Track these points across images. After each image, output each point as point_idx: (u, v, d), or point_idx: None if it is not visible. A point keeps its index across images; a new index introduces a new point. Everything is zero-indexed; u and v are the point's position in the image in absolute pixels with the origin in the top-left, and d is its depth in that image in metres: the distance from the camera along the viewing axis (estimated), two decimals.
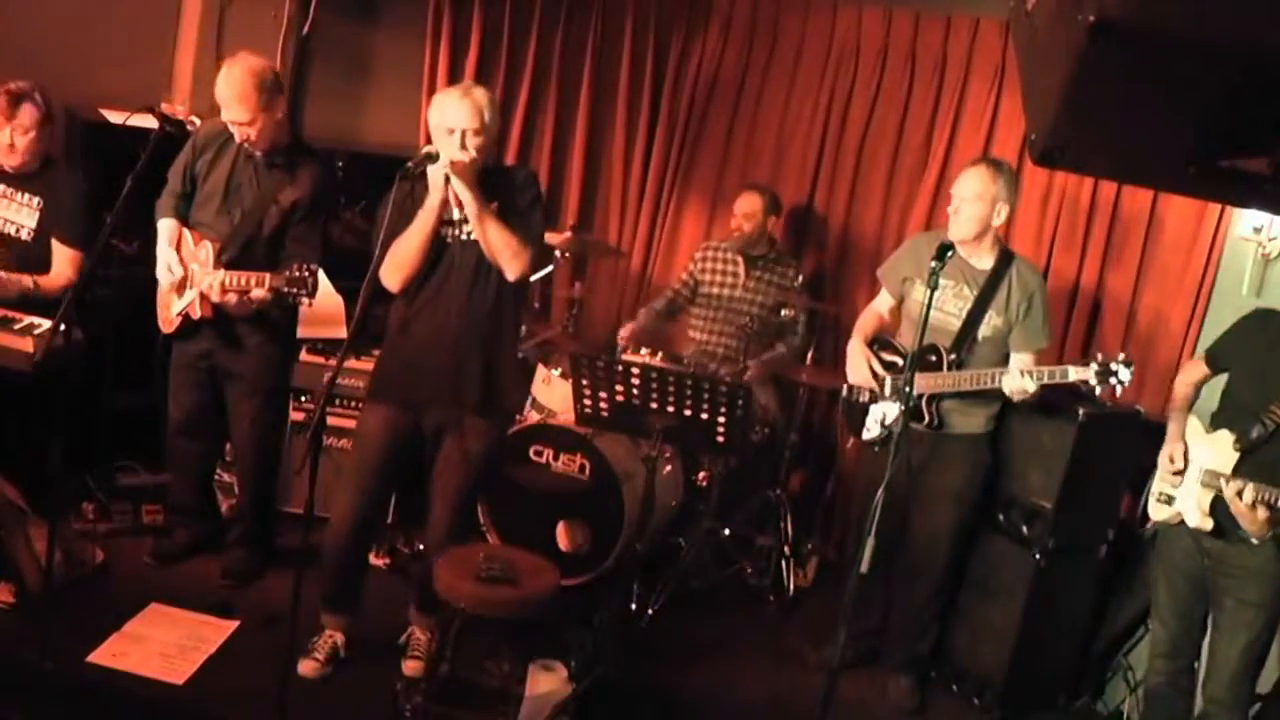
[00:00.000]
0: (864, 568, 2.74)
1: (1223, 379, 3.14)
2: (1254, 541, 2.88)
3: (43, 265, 3.60)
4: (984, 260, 3.51)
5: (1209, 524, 2.97)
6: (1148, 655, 3.40)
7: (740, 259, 4.60)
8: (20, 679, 2.91)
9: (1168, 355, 4.00)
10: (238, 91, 3.29)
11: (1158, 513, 3.15)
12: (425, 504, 3.26)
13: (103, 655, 3.14)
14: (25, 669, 2.90)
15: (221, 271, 3.36)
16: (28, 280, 3.52)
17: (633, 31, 5.02)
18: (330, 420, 4.02)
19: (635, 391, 3.37)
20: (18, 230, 3.60)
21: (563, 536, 4.02)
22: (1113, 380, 3.10)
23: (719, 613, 4.12)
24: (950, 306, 3.51)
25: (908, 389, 2.96)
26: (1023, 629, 3.60)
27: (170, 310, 3.53)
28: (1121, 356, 3.12)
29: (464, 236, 3.07)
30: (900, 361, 3.57)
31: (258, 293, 3.30)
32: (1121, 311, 4.18)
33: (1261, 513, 2.79)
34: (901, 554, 3.64)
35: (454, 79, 4.96)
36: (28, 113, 3.47)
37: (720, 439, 3.39)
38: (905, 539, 3.63)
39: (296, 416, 4.13)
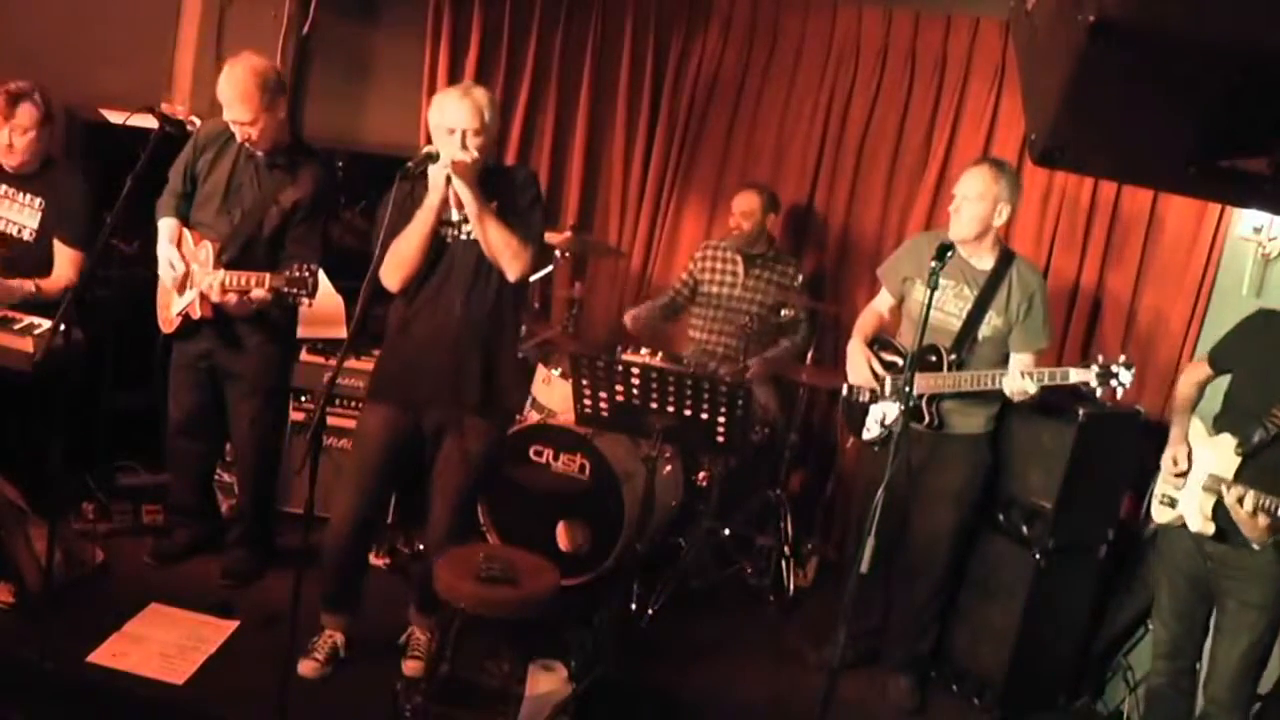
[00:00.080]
0: (864, 568, 2.74)
1: (1225, 380, 3.13)
2: (1255, 547, 2.87)
3: (44, 266, 3.60)
4: (984, 260, 3.51)
5: (1211, 528, 2.97)
6: (1149, 656, 3.40)
7: (739, 258, 4.60)
8: (20, 679, 2.91)
9: (1168, 355, 4.00)
10: (240, 91, 3.29)
11: (1160, 515, 3.14)
12: (425, 504, 3.26)
13: (103, 655, 3.14)
14: (25, 669, 2.90)
15: (221, 271, 3.36)
16: (29, 285, 3.52)
17: (633, 31, 5.02)
18: (330, 420, 4.02)
19: (635, 391, 3.37)
20: (19, 231, 3.60)
21: (563, 536, 4.02)
22: (1113, 382, 3.10)
23: (719, 613, 4.12)
24: (950, 306, 3.51)
25: (908, 389, 2.96)
26: (1023, 629, 3.60)
27: (170, 310, 3.53)
28: (1122, 359, 3.12)
29: (464, 236, 3.07)
30: (900, 361, 3.57)
31: (258, 293, 3.30)
32: (1121, 311, 4.18)
33: (1262, 520, 2.78)
34: (901, 554, 3.64)
35: (454, 79, 4.96)
36: (27, 112, 3.47)
37: (720, 439, 3.39)
38: (905, 539, 3.63)
39: (296, 416, 4.13)
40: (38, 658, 2.89)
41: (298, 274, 3.19)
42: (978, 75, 4.44)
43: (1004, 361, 3.48)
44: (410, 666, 3.31)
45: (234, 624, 3.41)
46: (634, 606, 3.88)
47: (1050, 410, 3.51)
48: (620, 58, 5.05)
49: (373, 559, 3.80)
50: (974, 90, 4.46)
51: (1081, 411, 3.46)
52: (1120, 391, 3.13)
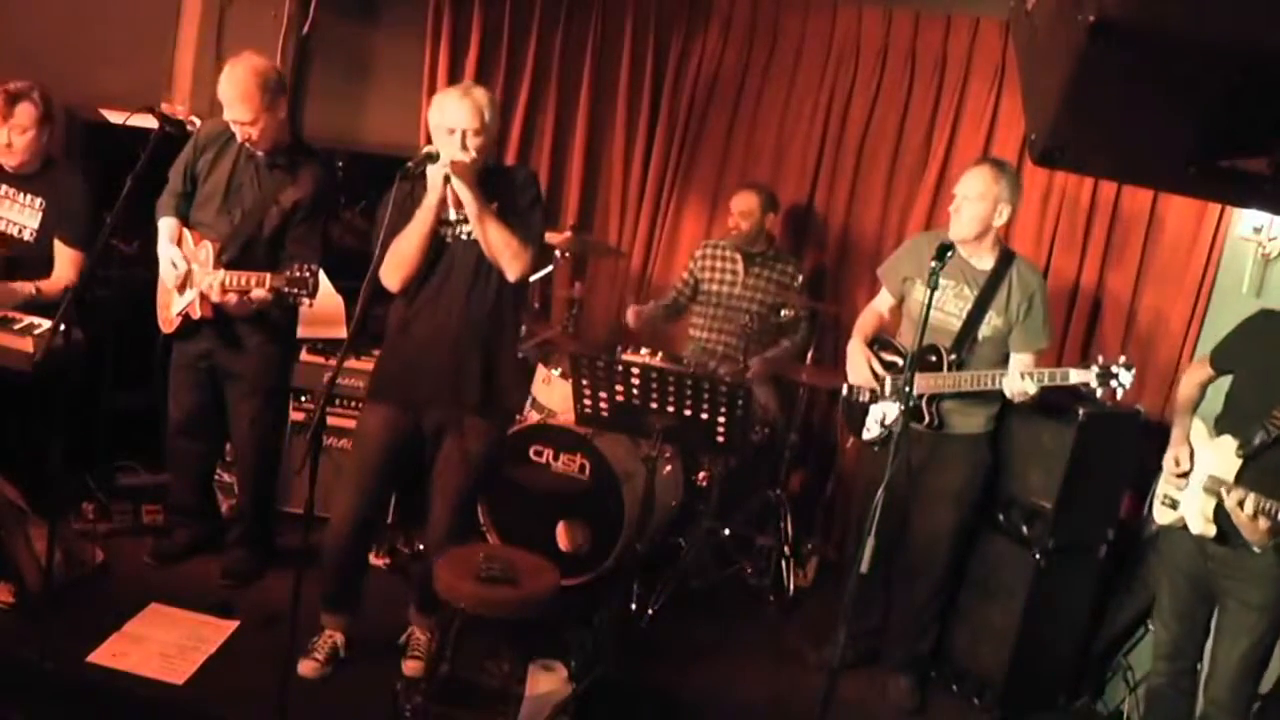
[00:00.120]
0: (864, 568, 2.74)
1: (1227, 380, 3.12)
2: (1256, 550, 2.87)
3: (45, 266, 3.60)
4: (984, 260, 3.51)
5: (1212, 530, 2.96)
6: (1149, 656, 3.39)
7: (739, 256, 4.61)
8: (20, 679, 2.91)
9: (1168, 355, 4.00)
10: (241, 91, 3.29)
11: (1162, 516, 3.14)
12: (425, 504, 3.26)
13: (103, 655, 3.14)
14: (25, 669, 2.90)
15: (221, 271, 3.36)
16: (29, 287, 3.52)
17: (633, 31, 5.02)
18: (330, 420, 4.02)
19: (635, 391, 3.37)
20: (20, 231, 3.60)
21: (563, 536, 4.02)
22: (1113, 383, 3.10)
23: (719, 613, 4.12)
24: (950, 306, 3.51)
25: (908, 389, 2.96)
26: (1023, 629, 3.60)
27: (170, 310, 3.53)
28: (1123, 359, 3.12)
29: (464, 236, 3.07)
30: (900, 361, 3.57)
31: (258, 293, 3.30)
32: (1121, 311, 4.18)
33: (1263, 523, 2.77)
34: (901, 554, 3.64)
35: (454, 79, 4.96)
36: (25, 112, 3.47)
37: (720, 439, 3.39)
38: (905, 539, 3.63)
39: (296, 416, 4.13)
40: (38, 658, 2.89)
41: (298, 274, 3.19)
42: (978, 75, 4.45)
43: (1004, 361, 3.48)
44: (410, 666, 3.31)
45: (234, 624, 3.41)
46: (634, 606, 3.88)
47: (1050, 410, 3.51)
48: (620, 58, 5.05)
49: (373, 559, 3.80)
50: (974, 90, 4.46)
51: (1081, 411, 3.46)
52: (1120, 392, 3.12)
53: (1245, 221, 3.70)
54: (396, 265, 3.03)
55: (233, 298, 3.35)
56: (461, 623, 2.89)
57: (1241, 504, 2.79)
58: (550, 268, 4.78)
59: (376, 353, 3.33)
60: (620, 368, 3.41)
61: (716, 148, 4.99)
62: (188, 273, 3.44)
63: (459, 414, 3.13)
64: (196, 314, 3.45)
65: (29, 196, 3.59)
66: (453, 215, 3.06)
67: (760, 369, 4.39)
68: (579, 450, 4.00)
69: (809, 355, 4.48)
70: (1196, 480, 3.01)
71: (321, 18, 4.96)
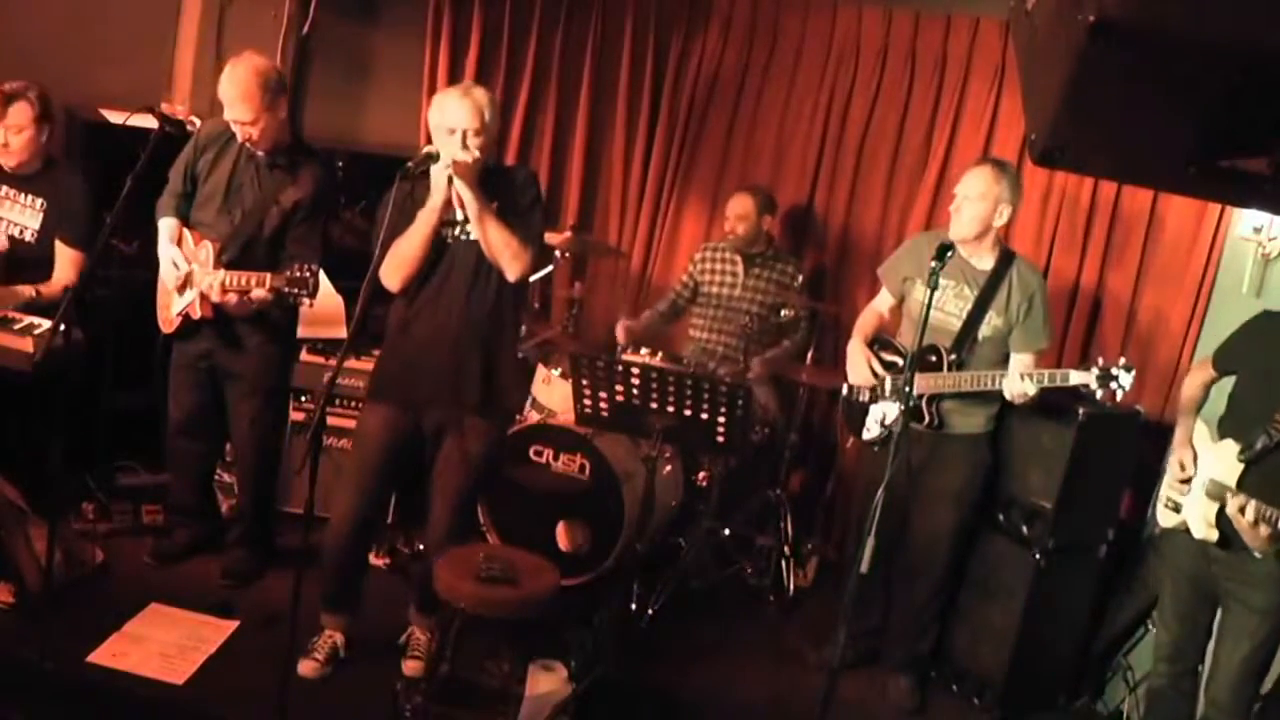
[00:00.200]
0: (864, 568, 2.74)
1: (1230, 381, 3.11)
2: (1256, 556, 2.87)
3: (46, 267, 3.60)
4: (984, 260, 3.51)
5: (1214, 535, 2.95)
6: (1149, 656, 3.39)
7: (739, 258, 4.61)
8: (20, 679, 2.91)
9: (1168, 355, 4.00)
10: (242, 90, 3.29)
11: (1166, 519, 3.13)
12: (425, 504, 3.26)
13: (103, 655, 3.14)
14: (25, 669, 2.90)
15: (222, 271, 3.36)
16: (29, 290, 3.52)
17: (633, 31, 5.02)
18: (330, 420, 4.02)
19: (635, 391, 3.37)
20: (22, 232, 3.60)
21: (563, 536, 4.02)
22: (1113, 385, 3.09)
23: (719, 613, 4.12)
24: (950, 306, 3.51)
25: (908, 389, 2.96)
26: (1023, 629, 3.60)
27: (170, 310, 3.53)
28: (1123, 361, 3.11)
29: (464, 236, 3.07)
30: (900, 361, 3.57)
31: (258, 293, 3.30)
32: (1121, 311, 4.18)
33: (1264, 530, 2.76)
34: (901, 554, 3.64)
35: (454, 79, 4.96)
36: (20, 111, 3.46)
37: (720, 439, 3.39)
38: (905, 539, 3.63)
39: (296, 416, 4.13)
40: (38, 658, 2.89)
41: (298, 274, 3.19)
42: (978, 75, 4.44)
43: (1004, 361, 3.48)
44: (410, 666, 3.31)
45: (234, 624, 3.41)
46: (634, 606, 3.88)
47: (1050, 410, 3.51)
48: (620, 58, 5.05)
49: (373, 559, 3.80)
50: (974, 90, 4.46)
51: (1081, 411, 3.46)
52: (1120, 394, 3.12)
53: (1245, 221, 3.70)
54: (397, 265, 3.03)
55: (233, 298, 3.35)
56: (461, 623, 2.89)
57: (1243, 510, 2.79)
58: (550, 268, 4.78)
59: (376, 353, 3.33)
60: (620, 368, 3.41)
61: (716, 148, 4.99)
62: (188, 273, 3.44)
63: (459, 414, 3.13)
64: (197, 314, 3.45)
65: (30, 197, 3.59)
66: (454, 215, 3.06)
67: (760, 369, 4.39)
68: (579, 450, 4.00)
69: (809, 355, 4.48)
70: (1199, 484, 3.00)
71: (321, 18, 4.96)
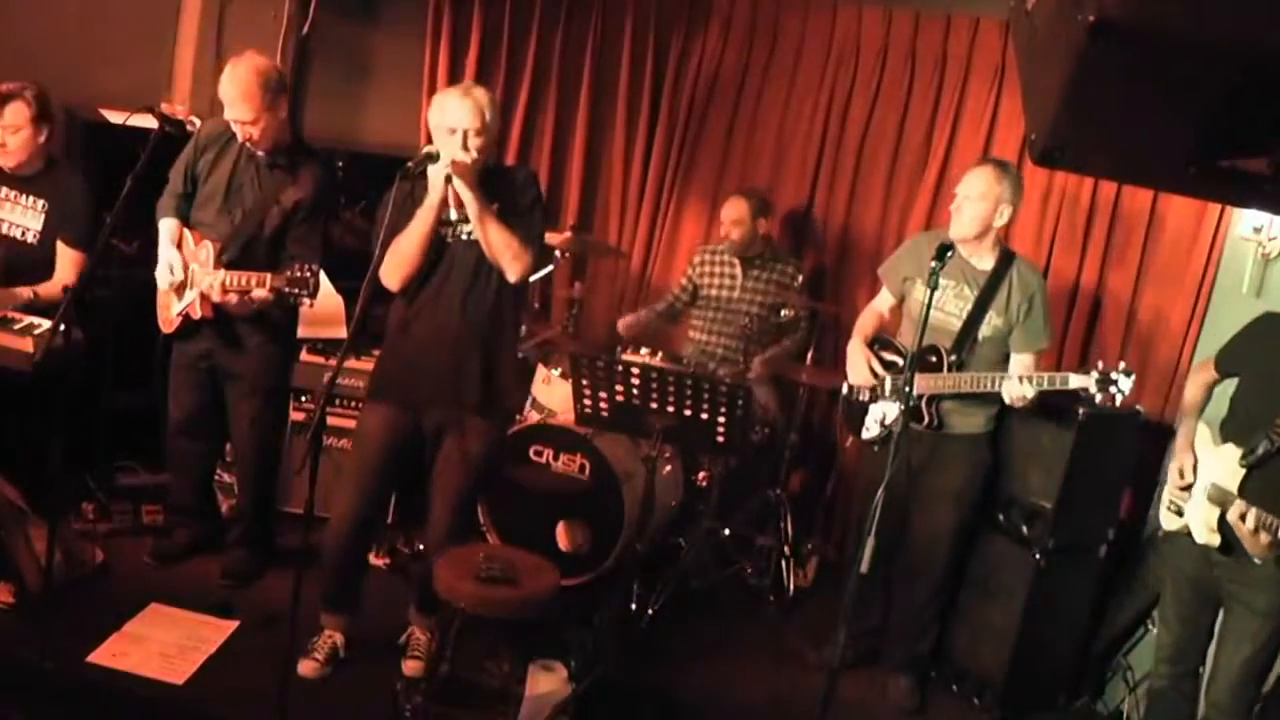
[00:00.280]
0: (864, 568, 2.74)
1: (1232, 383, 3.10)
2: (1257, 562, 2.86)
3: (47, 267, 3.60)
4: (985, 260, 3.51)
5: (1216, 539, 2.94)
6: (1149, 656, 3.39)
7: (737, 260, 4.60)
8: (20, 679, 2.90)
9: (1168, 355, 4.00)
10: (242, 90, 3.29)
11: (1169, 523, 3.12)
12: (425, 504, 3.26)
13: (103, 655, 3.14)
14: (25, 669, 2.90)
15: (222, 271, 3.36)
16: (27, 292, 3.51)
17: (633, 31, 5.02)
18: (330, 420, 4.02)
19: (635, 391, 3.37)
20: (23, 233, 3.60)
21: (563, 536, 4.02)
22: (1112, 389, 3.09)
23: (719, 613, 4.12)
24: (951, 307, 3.51)
25: (908, 389, 2.96)
26: (1023, 629, 3.60)
27: (170, 310, 3.53)
28: (1122, 365, 3.11)
29: (464, 236, 3.07)
30: (900, 361, 3.57)
31: (258, 293, 3.30)
32: (1121, 311, 4.18)
33: (1264, 537, 2.76)
34: (901, 554, 3.64)
35: (454, 79, 4.96)
36: (16, 111, 3.46)
37: (720, 439, 3.39)
38: (905, 539, 3.63)
39: (296, 416, 4.13)
40: (38, 658, 2.89)
41: (299, 274, 3.19)
42: (978, 75, 4.44)
43: (1004, 362, 3.48)
44: (410, 666, 3.31)
45: (234, 624, 3.41)
46: (634, 606, 3.87)
47: (1050, 410, 3.51)
48: (620, 58, 5.05)
49: (373, 559, 3.80)
50: (974, 90, 4.46)
51: (1081, 411, 3.46)
52: (1119, 398, 3.11)
53: (1245, 221, 3.70)
54: (397, 265, 3.03)
55: (233, 298, 3.35)
56: (461, 623, 2.89)
57: (1243, 518, 2.78)
58: (550, 268, 4.78)
59: (376, 353, 3.33)
60: (620, 368, 3.41)
61: (716, 148, 4.99)
62: (187, 273, 3.44)
63: (459, 414, 3.13)
64: (197, 314, 3.45)
65: (31, 198, 3.59)
66: (453, 215, 3.06)
67: (761, 369, 4.39)
68: (579, 450, 4.00)
69: (809, 355, 4.48)
70: (1200, 489, 3.00)
71: (321, 18, 4.96)
